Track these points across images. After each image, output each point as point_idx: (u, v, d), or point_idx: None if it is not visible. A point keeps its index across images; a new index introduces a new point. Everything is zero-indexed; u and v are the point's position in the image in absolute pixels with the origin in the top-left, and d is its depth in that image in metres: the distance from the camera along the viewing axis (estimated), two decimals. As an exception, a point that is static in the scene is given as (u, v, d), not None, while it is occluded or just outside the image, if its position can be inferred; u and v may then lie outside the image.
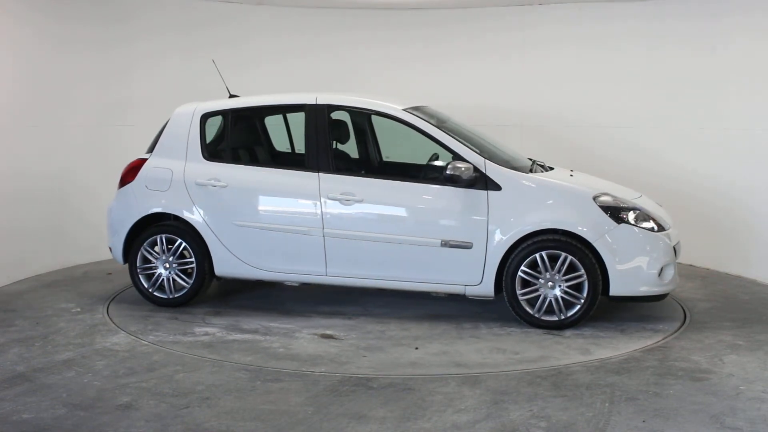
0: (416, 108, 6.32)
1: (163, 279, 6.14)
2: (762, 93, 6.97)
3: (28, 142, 7.14)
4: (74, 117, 7.59)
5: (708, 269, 7.46)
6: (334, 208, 5.83)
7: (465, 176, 5.55)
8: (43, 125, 7.28)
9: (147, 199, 6.19)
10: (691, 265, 7.52)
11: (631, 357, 4.98)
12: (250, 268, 6.04)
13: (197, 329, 5.67)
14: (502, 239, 5.57)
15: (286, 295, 6.58)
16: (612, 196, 5.67)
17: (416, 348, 5.22)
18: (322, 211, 5.84)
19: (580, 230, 5.48)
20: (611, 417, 4.04)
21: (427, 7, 8.65)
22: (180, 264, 6.15)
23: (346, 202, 5.81)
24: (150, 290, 6.18)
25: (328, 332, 5.58)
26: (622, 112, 7.98)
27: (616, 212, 5.54)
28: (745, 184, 7.15)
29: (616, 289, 5.48)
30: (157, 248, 6.15)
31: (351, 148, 6.73)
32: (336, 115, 6.26)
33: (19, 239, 7.03)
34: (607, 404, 4.21)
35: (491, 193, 5.61)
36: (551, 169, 6.21)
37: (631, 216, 5.55)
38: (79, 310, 6.09)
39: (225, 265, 6.07)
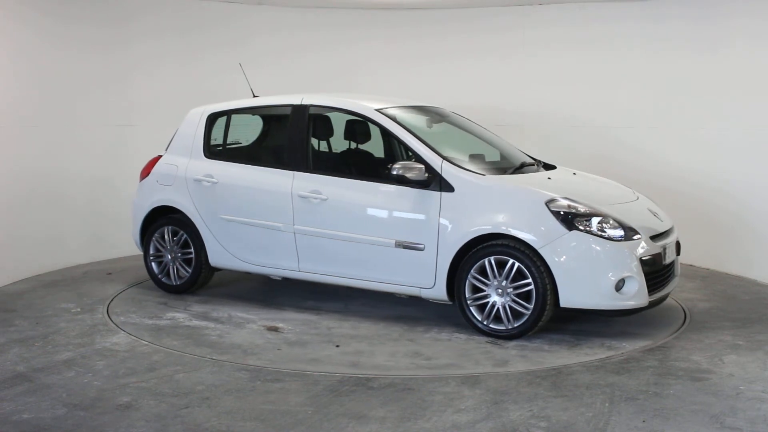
0: (421, 108, 6.48)
1: (168, 267, 6.57)
2: (762, 93, 6.97)
3: (29, 143, 7.14)
4: (75, 117, 7.60)
5: (708, 269, 7.46)
6: (303, 205, 5.94)
7: (412, 176, 5.49)
8: (44, 126, 7.29)
9: (156, 192, 6.64)
10: (691, 265, 7.52)
11: (631, 357, 4.98)
12: (238, 261, 6.32)
13: (169, 314, 6.00)
14: (451, 242, 5.41)
15: (286, 289, 6.68)
16: (572, 201, 5.30)
17: (337, 346, 5.26)
18: (293, 209, 5.96)
19: (525, 235, 5.20)
20: (611, 417, 4.04)
21: (427, 6, 8.66)
22: (183, 254, 6.52)
23: (313, 200, 5.89)
24: (159, 276, 6.63)
25: (280, 325, 5.73)
26: (622, 112, 7.99)
27: (570, 218, 5.19)
28: (745, 184, 7.15)
29: (565, 300, 5.17)
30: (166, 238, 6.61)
31: (377, 148, 6.74)
32: (355, 116, 6.28)
33: (19, 239, 7.03)
34: (607, 404, 4.21)
35: (444, 194, 5.47)
36: (553, 168, 6.20)
37: (590, 223, 5.19)
38: (79, 310, 6.10)
39: (217, 257, 6.39)
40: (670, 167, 7.64)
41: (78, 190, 7.66)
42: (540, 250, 5.16)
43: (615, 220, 5.28)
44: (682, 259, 7.57)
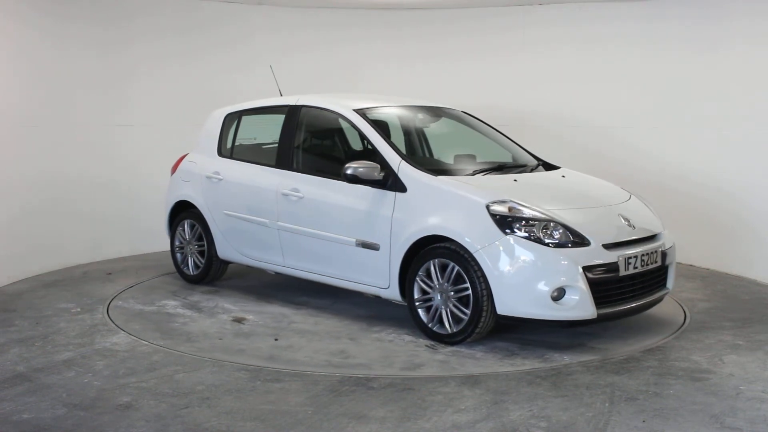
0: (425, 108, 6.58)
1: (187, 258, 6.97)
2: (762, 94, 6.97)
3: (29, 143, 7.14)
4: (75, 117, 7.60)
5: (708, 269, 7.46)
6: (285, 203, 6.09)
7: (364, 176, 5.47)
8: (44, 126, 7.28)
9: (179, 188, 7.00)
10: (691, 265, 7.53)
11: (631, 357, 4.98)
12: (238, 254, 6.59)
13: (163, 302, 6.37)
14: (401, 243, 5.34)
15: (292, 284, 6.81)
16: (517, 204, 5.05)
17: (276, 339, 5.39)
18: (277, 206, 6.12)
19: (462, 238, 5.05)
20: (611, 417, 4.04)
21: (427, 6, 8.67)
22: (198, 246, 6.88)
23: (293, 198, 6.02)
24: (181, 266, 7.03)
25: (249, 317, 5.95)
26: (622, 111, 7.99)
27: (508, 222, 4.97)
28: (745, 183, 7.15)
29: (502, 308, 4.94)
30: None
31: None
32: (376, 116, 6.26)
33: (19, 239, 7.03)
34: (607, 404, 4.21)
35: (398, 194, 5.42)
36: (556, 168, 6.15)
37: (531, 227, 4.93)
38: (79, 310, 6.10)
39: (223, 250, 6.69)
40: (670, 167, 7.64)
41: (78, 190, 7.65)
42: (475, 254, 4.99)
43: (563, 225, 5.00)
44: (683, 259, 7.58)
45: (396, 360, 4.96)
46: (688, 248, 7.50)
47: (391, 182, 5.48)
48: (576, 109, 8.22)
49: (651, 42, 7.75)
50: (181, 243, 7.01)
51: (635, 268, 5.14)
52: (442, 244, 5.19)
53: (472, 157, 6.19)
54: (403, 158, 5.55)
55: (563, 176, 5.99)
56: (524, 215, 5.01)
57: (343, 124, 6.36)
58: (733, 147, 7.22)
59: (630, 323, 5.64)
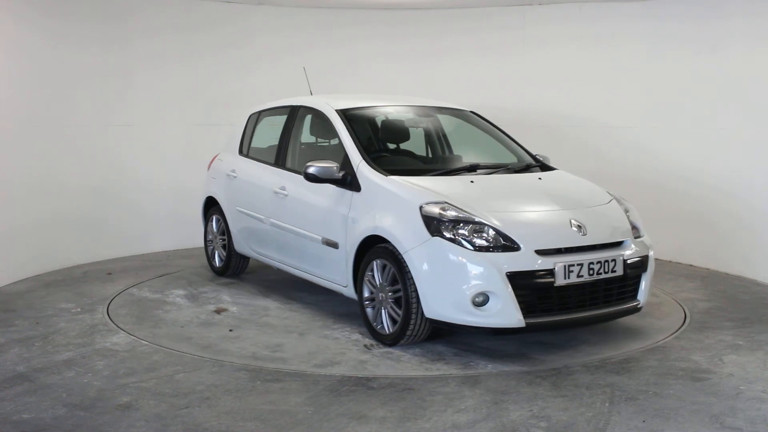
0: (428, 108, 6.57)
1: (215, 251, 7.30)
2: (762, 93, 6.97)
3: (28, 142, 7.13)
4: (73, 116, 7.59)
5: (708, 269, 7.46)
6: (275, 200, 6.23)
7: (321, 175, 5.48)
8: (43, 125, 7.27)
9: (209, 184, 7.32)
10: (691, 265, 7.52)
11: (631, 357, 4.98)
12: (249, 249, 6.80)
13: (173, 291, 6.69)
14: (352, 242, 5.36)
15: (298, 279, 6.73)
16: (449, 206, 4.88)
17: (230, 330, 5.56)
18: (270, 203, 6.29)
19: (394, 239, 4.98)
20: (611, 417, 4.04)
21: (427, 6, 8.67)
22: (222, 240, 7.16)
23: (281, 195, 6.16)
24: (210, 259, 7.37)
25: (232, 309, 6.13)
26: (622, 111, 7.99)
27: (435, 224, 4.81)
28: (745, 183, 7.14)
29: (428, 311, 4.83)
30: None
31: (420, 147, 6.59)
32: (391, 115, 6.28)
33: (19, 239, 7.03)
34: (607, 404, 4.21)
35: (354, 194, 5.42)
36: (552, 169, 6.12)
37: (459, 230, 4.76)
38: (79, 310, 6.10)
39: (238, 244, 6.93)
40: (670, 166, 7.64)
41: (78, 190, 7.65)
42: (404, 255, 4.90)
43: (493, 228, 4.78)
44: (683, 259, 7.59)
45: (318, 357, 4.98)
46: (688, 248, 7.51)
47: (350, 181, 5.50)
48: (576, 109, 8.22)
49: (651, 42, 7.75)
50: (211, 237, 7.32)
51: (579, 276, 4.80)
52: (382, 245, 5.16)
53: (457, 156, 6.21)
54: (363, 158, 5.54)
55: (539, 178, 5.69)
56: (452, 217, 4.82)
57: (330, 124, 6.39)
58: (733, 147, 7.22)
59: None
